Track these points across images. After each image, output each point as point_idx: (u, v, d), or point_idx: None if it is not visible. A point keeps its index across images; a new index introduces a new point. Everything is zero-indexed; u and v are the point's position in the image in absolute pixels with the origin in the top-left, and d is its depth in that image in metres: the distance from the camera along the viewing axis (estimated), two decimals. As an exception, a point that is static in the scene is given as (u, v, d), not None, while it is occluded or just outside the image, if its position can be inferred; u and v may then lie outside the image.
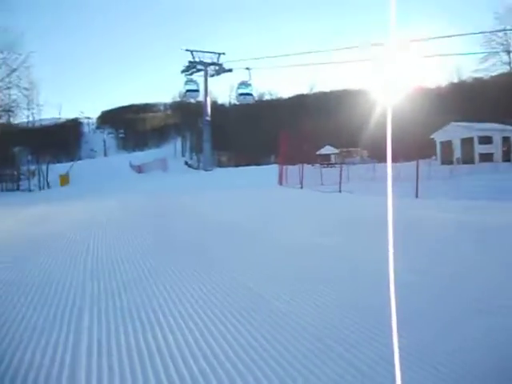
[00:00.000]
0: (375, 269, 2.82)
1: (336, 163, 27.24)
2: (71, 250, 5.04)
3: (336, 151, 33.15)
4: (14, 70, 30.61)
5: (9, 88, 31.52)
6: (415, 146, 14.30)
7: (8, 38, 28.58)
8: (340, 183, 13.21)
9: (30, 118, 40.71)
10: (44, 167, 37.46)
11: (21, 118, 38.87)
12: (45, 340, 2.27)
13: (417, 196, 10.24)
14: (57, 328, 2.45)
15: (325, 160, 28.76)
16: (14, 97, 33.03)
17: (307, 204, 9.90)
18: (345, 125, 35.43)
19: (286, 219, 7.23)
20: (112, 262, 4.29)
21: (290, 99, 60.82)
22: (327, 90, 57.68)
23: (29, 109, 38.61)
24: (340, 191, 12.69)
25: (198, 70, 39.13)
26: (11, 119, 35.52)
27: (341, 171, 13.77)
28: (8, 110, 33.51)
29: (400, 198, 8.43)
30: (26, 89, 33.14)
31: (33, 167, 37.87)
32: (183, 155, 65.29)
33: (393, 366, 1.26)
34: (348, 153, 29.08)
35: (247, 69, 37.06)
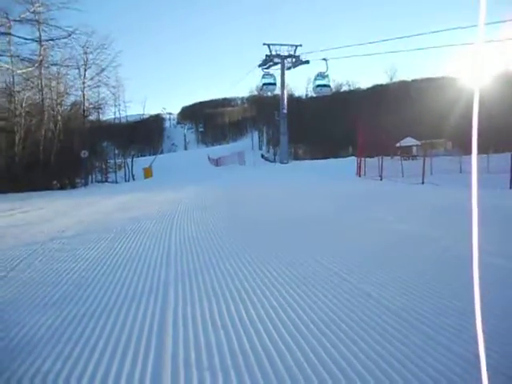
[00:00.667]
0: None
1: (417, 155, 26.19)
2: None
3: (417, 143, 31.79)
4: (103, 70, 32.78)
5: (98, 86, 33.78)
6: (507, 137, 13.43)
7: (97, 39, 30.68)
8: (423, 175, 12.81)
9: (117, 115, 43.37)
10: (129, 161, 40.01)
11: (108, 114, 41.56)
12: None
13: (511, 187, 10.07)
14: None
15: (405, 152, 27.71)
16: (102, 95, 35.35)
17: (388, 195, 9.75)
18: (427, 115, 33.81)
19: (367, 208, 7.22)
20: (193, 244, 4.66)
21: (369, 89, 59.06)
22: (408, 78, 55.32)
23: (116, 105, 41.20)
24: (423, 183, 12.32)
25: (275, 64, 39.33)
26: (100, 116, 38.10)
27: (424, 163, 13.32)
28: (97, 107, 35.95)
29: (491, 189, 8.16)
30: (113, 87, 35.34)
31: (119, 161, 40.60)
32: (260, 148, 66.09)
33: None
34: (431, 144, 27.71)
35: (324, 59, 36.64)
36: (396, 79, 55.38)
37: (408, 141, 32.57)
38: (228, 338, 2.13)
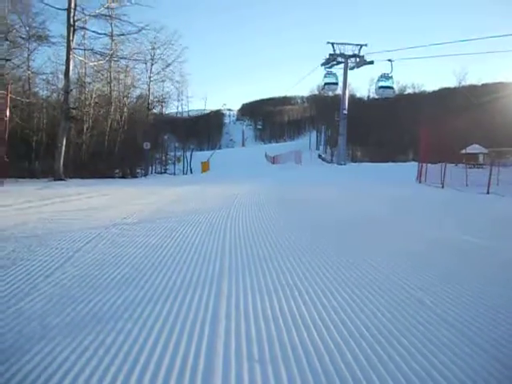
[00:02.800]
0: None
1: (484, 164, 24.87)
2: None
3: (485, 151, 30.16)
4: (169, 65, 33.86)
5: (163, 81, 35.02)
6: None
7: (165, 35, 31.78)
8: (488, 185, 12.18)
9: (179, 109, 44.68)
10: (188, 154, 41.10)
11: (171, 108, 42.91)
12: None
13: None
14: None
15: (471, 160, 26.36)
16: (166, 89, 36.58)
17: (449, 203, 9.38)
18: (497, 122, 32.00)
19: (424, 215, 7.01)
20: (247, 237, 4.72)
21: (434, 93, 56.95)
22: (478, 83, 52.64)
23: (178, 100, 42.51)
24: (488, 193, 11.71)
25: (338, 63, 38.81)
26: (163, 109, 39.38)
27: (490, 172, 12.67)
28: (161, 101, 37.19)
29: None
30: (177, 82, 36.48)
31: (179, 154, 41.81)
32: (317, 148, 65.64)
33: None
34: (499, 153, 26.21)
35: (389, 60, 35.75)
36: (465, 83, 52.85)
37: (474, 148, 30.99)
38: (278, 331, 2.17)
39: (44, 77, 24.35)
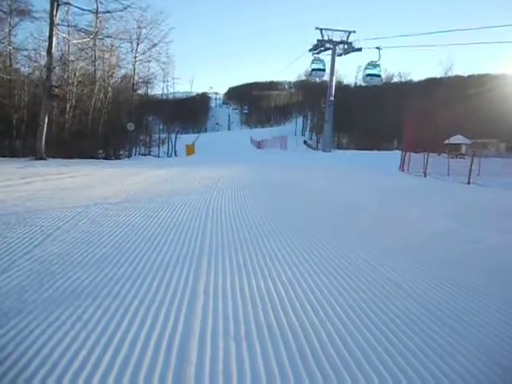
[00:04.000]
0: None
1: (466, 154, 25.24)
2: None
3: (468, 142, 30.56)
4: (155, 45, 33.32)
5: (149, 61, 34.50)
6: None
7: (151, 14, 31.23)
8: (469, 175, 12.37)
9: (165, 90, 44.04)
10: (173, 136, 40.73)
11: (157, 89, 42.28)
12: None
13: None
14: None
15: (454, 150, 26.74)
16: (152, 70, 36.05)
17: (431, 192, 9.52)
18: (481, 113, 32.36)
19: (410, 203, 7.11)
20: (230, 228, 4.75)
21: (421, 83, 57.42)
22: (464, 74, 53.10)
23: (164, 81, 41.89)
24: (469, 183, 11.92)
25: (326, 49, 38.70)
26: (148, 90, 38.83)
27: (471, 162, 12.87)
28: (147, 82, 36.68)
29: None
30: (163, 62, 35.97)
31: (163, 136, 41.41)
32: (303, 134, 65.72)
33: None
34: (482, 144, 26.59)
35: (377, 48, 35.79)
36: (451, 73, 53.28)
37: (457, 138, 31.35)
38: (255, 312, 2.20)
39: (26, 53, 23.76)
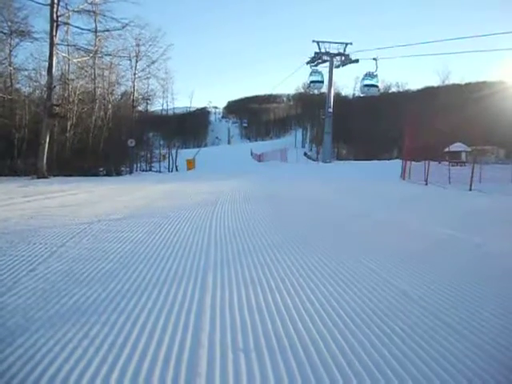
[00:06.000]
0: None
1: (467, 162, 25.27)
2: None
3: (468, 149, 30.61)
4: (154, 62, 33.62)
5: (148, 78, 34.78)
6: None
7: (149, 31, 31.61)
8: (471, 182, 12.39)
9: (165, 106, 44.23)
10: (174, 152, 40.86)
11: (156, 105, 42.47)
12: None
13: None
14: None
15: (454, 158, 26.78)
16: (151, 86, 36.33)
17: (432, 199, 9.52)
18: (480, 121, 32.47)
19: (412, 211, 7.11)
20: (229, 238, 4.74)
21: (419, 92, 57.68)
22: (462, 82, 53.41)
23: (164, 97, 42.12)
24: (470, 190, 11.92)
25: (324, 61, 39.06)
26: (148, 106, 39.05)
27: (472, 170, 12.90)
28: (146, 98, 36.92)
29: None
30: (162, 79, 36.29)
31: (164, 151, 41.54)
32: (303, 146, 65.92)
33: None
34: (482, 151, 26.62)
35: (374, 59, 36.08)
36: (449, 82, 53.59)
37: (457, 146, 31.42)
38: (263, 322, 2.18)
39: (26, 73, 23.99)
